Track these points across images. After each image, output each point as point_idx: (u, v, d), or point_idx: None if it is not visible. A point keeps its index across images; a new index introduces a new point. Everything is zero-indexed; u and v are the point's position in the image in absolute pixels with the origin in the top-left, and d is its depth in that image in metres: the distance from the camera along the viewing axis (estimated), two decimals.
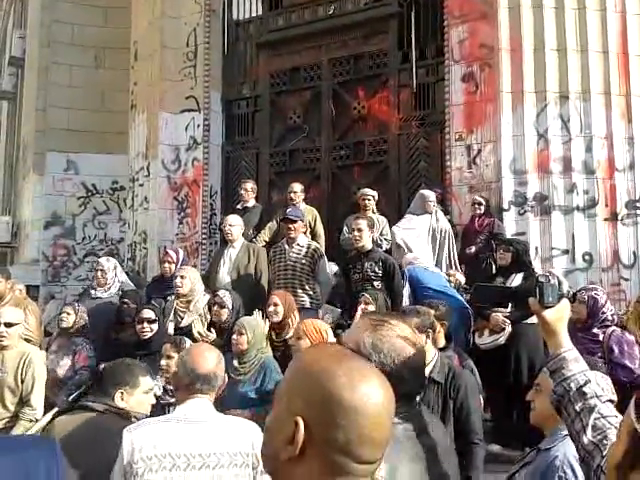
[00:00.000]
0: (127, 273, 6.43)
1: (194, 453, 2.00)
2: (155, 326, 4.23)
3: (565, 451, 1.94)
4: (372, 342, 1.48)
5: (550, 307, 1.50)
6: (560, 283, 1.52)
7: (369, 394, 0.91)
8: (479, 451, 3.10)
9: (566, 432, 2.00)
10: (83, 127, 9.17)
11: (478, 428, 3.12)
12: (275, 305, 4.34)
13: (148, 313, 4.30)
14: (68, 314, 4.76)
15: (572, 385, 1.41)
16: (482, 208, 6.13)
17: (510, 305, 1.67)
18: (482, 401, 3.57)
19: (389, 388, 0.95)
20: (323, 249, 6.32)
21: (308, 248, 5.42)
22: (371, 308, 4.27)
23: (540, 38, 6.23)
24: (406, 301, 4.81)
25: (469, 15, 6.61)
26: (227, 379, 2.39)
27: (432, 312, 3.37)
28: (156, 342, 4.03)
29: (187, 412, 2.11)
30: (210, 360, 2.23)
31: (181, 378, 2.17)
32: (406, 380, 1.46)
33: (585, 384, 1.40)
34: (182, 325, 4.75)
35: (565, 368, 1.45)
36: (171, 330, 4.64)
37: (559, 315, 1.51)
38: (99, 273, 5.48)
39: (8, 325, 3.86)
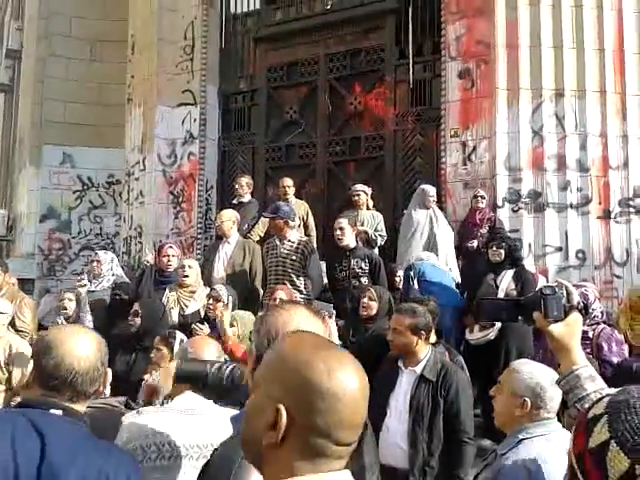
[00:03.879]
0: (122, 267, 6.45)
1: (192, 444, 2.02)
2: (138, 320, 4.28)
3: (516, 458, 1.95)
4: (255, 325, 1.47)
5: (557, 321, 1.42)
6: (569, 294, 1.45)
7: (346, 380, 0.95)
8: (469, 449, 3.14)
9: (521, 437, 2.02)
10: (79, 120, 9.14)
11: (469, 427, 3.16)
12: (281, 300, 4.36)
13: (135, 306, 4.36)
14: (70, 300, 4.78)
15: (587, 407, 1.35)
16: (484, 202, 6.15)
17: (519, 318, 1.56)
18: (473, 397, 3.59)
19: (364, 374, 0.99)
20: (314, 243, 6.36)
21: (299, 244, 5.44)
22: (374, 305, 4.24)
23: (536, 35, 6.24)
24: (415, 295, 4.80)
25: (466, 12, 6.62)
26: None
27: (429, 314, 3.37)
28: (153, 335, 4.06)
29: (185, 403, 2.13)
30: (212, 352, 2.28)
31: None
32: None
33: None
34: (187, 313, 4.80)
35: (579, 387, 1.35)
36: (175, 318, 4.67)
37: (569, 330, 1.42)
38: (94, 263, 5.52)
39: None
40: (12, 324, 4.50)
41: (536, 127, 6.21)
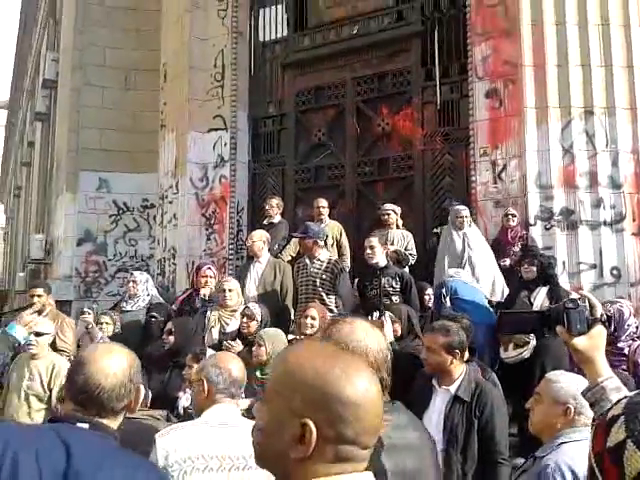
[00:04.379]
0: (156, 288, 6.58)
1: (224, 455, 2.07)
2: (172, 337, 4.40)
3: (557, 459, 1.96)
4: (321, 338, 1.57)
5: (582, 334, 1.41)
6: (592, 307, 1.43)
7: (366, 386, 0.98)
8: (504, 470, 3.07)
9: (561, 441, 2.03)
10: (114, 147, 9.41)
11: (503, 447, 3.09)
12: (312, 318, 4.40)
13: (169, 325, 4.49)
14: (107, 323, 4.91)
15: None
16: (515, 220, 6.12)
17: (543, 330, 1.54)
18: (508, 416, 3.56)
19: (377, 378, 1.03)
20: (348, 263, 6.40)
21: (329, 263, 5.50)
22: (397, 327, 4.27)
23: (564, 54, 6.26)
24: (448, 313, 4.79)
25: (492, 32, 6.68)
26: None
27: (463, 332, 3.35)
28: (186, 352, 4.15)
29: (215, 416, 2.19)
30: (238, 367, 2.36)
31: (216, 383, 2.27)
32: None
33: None
34: (227, 331, 4.88)
35: (605, 399, 1.35)
36: (215, 336, 4.76)
37: (593, 342, 1.41)
38: (131, 284, 5.66)
39: (38, 334, 4.00)
40: (53, 344, 4.62)
41: (566, 145, 6.20)
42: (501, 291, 5.60)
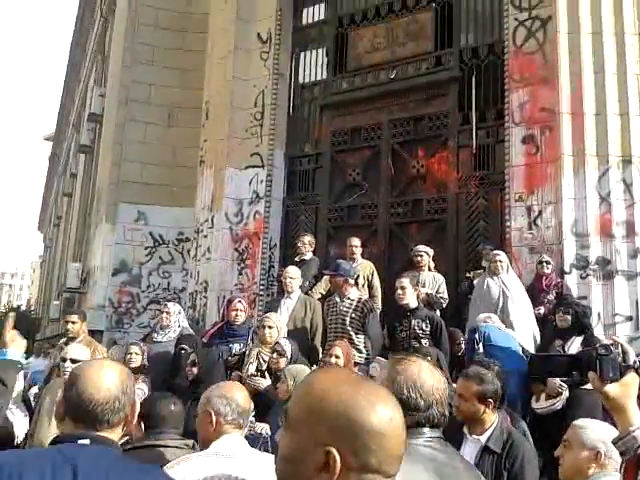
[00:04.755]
0: (187, 321, 6.64)
1: None
2: (195, 369, 4.44)
3: None
4: (389, 375, 1.67)
5: (614, 381, 1.40)
6: (625, 353, 1.41)
7: (391, 416, 0.99)
8: None
9: None
10: (154, 180, 9.67)
11: None
12: (337, 357, 4.41)
13: (192, 356, 4.54)
14: (136, 354, 4.97)
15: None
16: (550, 267, 6.04)
17: (573, 374, 1.51)
18: (539, 470, 3.46)
19: (399, 407, 1.03)
20: (379, 303, 6.38)
21: (359, 302, 5.50)
22: None
23: (602, 102, 6.25)
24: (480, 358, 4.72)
25: (530, 79, 6.73)
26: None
27: (497, 381, 3.29)
28: (208, 384, 4.17)
29: (223, 447, 2.18)
30: (244, 396, 2.35)
31: (224, 414, 2.27)
32: (420, 408, 1.63)
33: None
34: (263, 369, 4.88)
35: (637, 449, 1.30)
36: (252, 370, 4.77)
37: (625, 390, 1.40)
38: (164, 315, 5.73)
39: (74, 361, 4.06)
40: None
41: (603, 193, 6.14)
42: (535, 341, 5.48)
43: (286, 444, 1.02)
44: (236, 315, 5.61)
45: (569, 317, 4.88)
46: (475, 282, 6.16)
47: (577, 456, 2.11)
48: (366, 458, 0.95)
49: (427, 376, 1.67)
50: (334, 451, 0.94)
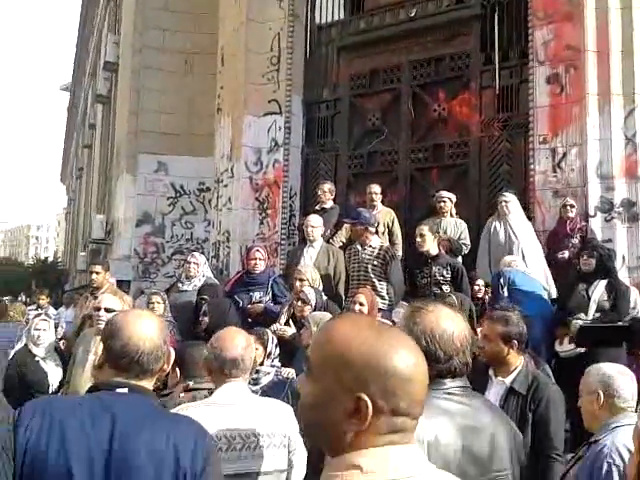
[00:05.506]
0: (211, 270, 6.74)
1: (234, 435, 2.11)
2: (206, 319, 4.51)
3: (613, 440, 1.99)
4: (406, 326, 1.63)
5: None
6: None
7: (415, 361, 1.01)
8: (556, 466, 2.99)
9: (614, 424, 2.07)
10: (173, 130, 9.62)
11: (558, 443, 3.01)
12: (361, 304, 4.47)
13: (204, 307, 4.62)
14: (158, 303, 5.08)
15: None
16: (574, 211, 5.97)
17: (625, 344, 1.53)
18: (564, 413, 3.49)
19: (420, 350, 1.05)
20: (400, 251, 6.39)
21: (380, 249, 5.52)
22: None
23: (628, 40, 6.01)
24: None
25: (554, 16, 6.46)
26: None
27: (523, 324, 3.30)
28: None
29: (224, 396, 2.22)
30: (233, 346, 2.31)
31: (211, 362, 2.30)
32: (440, 360, 1.61)
33: None
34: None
35: None
36: (283, 320, 4.84)
37: None
38: (192, 265, 5.79)
39: (108, 310, 4.13)
40: None
41: (629, 134, 5.98)
42: (549, 285, 5.49)
43: (310, 391, 1.03)
44: (255, 264, 5.66)
45: (593, 261, 4.85)
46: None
47: (585, 402, 2.22)
48: (395, 402, 0.97)
49: (447, 325, 1.63)
50: (365, 397, 0.96)
